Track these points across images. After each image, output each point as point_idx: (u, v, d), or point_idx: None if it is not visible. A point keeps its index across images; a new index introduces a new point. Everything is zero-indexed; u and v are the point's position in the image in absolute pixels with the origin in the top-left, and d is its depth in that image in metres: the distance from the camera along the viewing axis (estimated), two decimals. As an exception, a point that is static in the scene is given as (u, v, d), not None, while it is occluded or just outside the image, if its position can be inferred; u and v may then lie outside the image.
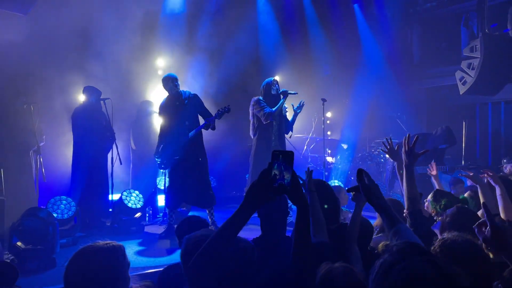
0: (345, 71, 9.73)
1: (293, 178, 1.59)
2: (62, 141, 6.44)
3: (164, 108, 5.70)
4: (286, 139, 6.50)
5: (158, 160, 5.69)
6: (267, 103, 6.10)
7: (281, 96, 6.08)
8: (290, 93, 6.08)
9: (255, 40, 8.90)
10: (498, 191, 3.10)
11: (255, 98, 6.18)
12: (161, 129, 5.75)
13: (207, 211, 5.65)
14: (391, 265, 1.17)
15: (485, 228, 1.75)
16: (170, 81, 5.60)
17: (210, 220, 5.53)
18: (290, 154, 1.55)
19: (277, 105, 6.04)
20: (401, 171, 2.84)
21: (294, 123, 6.37)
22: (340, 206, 2.92)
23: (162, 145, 5.64)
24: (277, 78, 6.56)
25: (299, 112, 6.19)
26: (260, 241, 2.65)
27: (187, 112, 5.58)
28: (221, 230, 1.61)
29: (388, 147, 3.01)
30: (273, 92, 6.12)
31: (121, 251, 1.79)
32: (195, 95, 5.76)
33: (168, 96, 5.72)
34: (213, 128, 5.64)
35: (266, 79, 6.37)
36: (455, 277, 1.15)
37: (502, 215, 3.01)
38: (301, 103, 6.16)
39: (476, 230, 1.64)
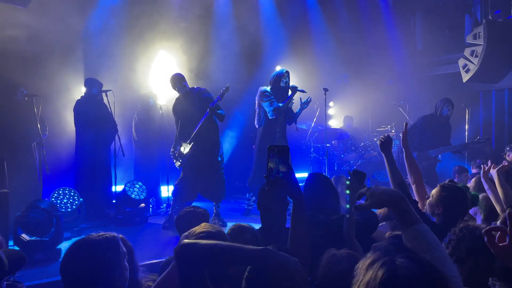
0: (347, 59, 9.67)
1: (288, 171, 1.62)
2: (65, 133, 6.47)
3: (176, 109, 5.71)
4: (296, 127, 6.45)
5: (178, 162, 5.69)
6: (275, 95, 6.01)
7: (290, 91, 6.00)
8: (299, 90, 6.00)
9: (257, 28, 8.84)
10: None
11: (262, 88, 6.09)
12: (177, 130, 5.74)
13: (214, 204, 5.66)
14: (373, 261, 1.16)
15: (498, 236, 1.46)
16: (177, 81, 5.54)
17: (214, 211, 5.55)
18: (286, 148, 1.59)
19: (285, 101, 5.97)
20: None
21: (298, 116, 6.33)
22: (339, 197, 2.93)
23: (179, 147, 5.65)
24: (278, 68, 6.51)
25: (306, 107, 6.14)
26: (260, 232, 2.67)
27: (198, 109, 5.52)
28: (228, 252, 1.53)
29: (385, 139, 3.02)
30: (282, 84, 6.03)
31: (114, 242, 1.81)
32: (203, 90, 5.71)
33: (178, 97, 5.71)
34: (221, 119, 5.57)
35: (278, 70, 6.27)
36: (439, 277, 1.12)
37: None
38: (309, 99, 6.10)
39: (486, 238, 1.43)
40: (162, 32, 7.37)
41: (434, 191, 2.85)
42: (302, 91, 6.07)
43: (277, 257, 1.47)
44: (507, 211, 1.44)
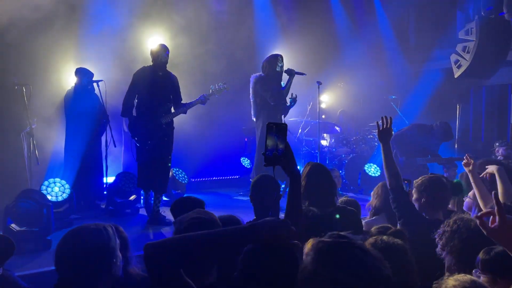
0: (341, 53, 9.67)
1: (286, 149, 1.65)
2: (55, 123, 6.39)
3: (142, 79, 5.20)
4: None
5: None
6: (270, 78, 5.77)
7: (287, 76, 5.80)
8: (298, 73, 5.77)
9: (251, 17, 8.79)
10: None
11: (257, 75, 5.87)
12: (130, 101, 5.32)
13: (154, 196, 5.36)
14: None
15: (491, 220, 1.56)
16: (164, 51, 5.23)
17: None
18: (284, 126, 1.63)
19: (286, 85, 5.72)
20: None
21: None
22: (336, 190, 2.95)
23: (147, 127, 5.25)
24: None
25: (293, 105, 6.01)
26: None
27: (166, 92, 5.27)
28: (205, 239, 1.39)
29: (384, 126, 2.99)
30: (277, 69, 5.81)
31: (107, 231, 1.80)
32: (176, 79, 5.44)
33: (150, 67, 5.29)
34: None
35: (271, 54, 6.05)
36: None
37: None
38: (294, 97, 5.92)
39: (478, 222, 1.52)
40: (154, 22, 7.30)
41: (416, 183, 2.94)
42: (302, 74, 5.88)
43: (265, 230, 1.38)
44: (493, 193, 1.54)
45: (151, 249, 1.36)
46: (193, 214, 1.86)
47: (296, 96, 6.01)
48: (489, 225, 1.50)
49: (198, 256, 1.39)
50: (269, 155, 1.60)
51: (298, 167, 1.91)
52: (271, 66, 5.86)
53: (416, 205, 2.93)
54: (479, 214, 1.55)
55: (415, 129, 6.95)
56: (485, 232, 1.52)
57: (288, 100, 6.11)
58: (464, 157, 3.40)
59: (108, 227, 1.84)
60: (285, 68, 6.01)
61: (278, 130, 1.61)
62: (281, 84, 5.98)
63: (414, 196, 2.95)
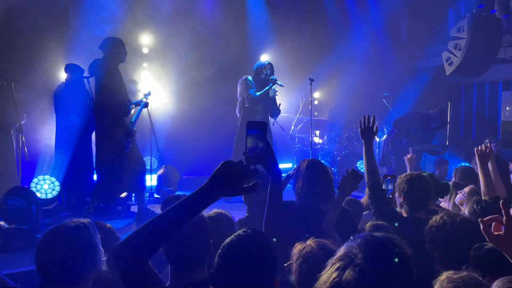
0: (333, 51, 9.67)
1: (266, 147, 1.63)
2: (45, 119, 6.31)
3: (117, 80, 5.02)
4: (273, 121, 6.58)
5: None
6: (256, 84, 6.17)
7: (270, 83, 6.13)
8: (278, 84, 6.15)
9: (243, 18, 8.76)
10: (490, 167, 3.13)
11: (244, 77, 6.24)
12: (108, 104, 4.98)
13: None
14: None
15: (493, 225, 1.54)
16: (123, 45, 5.10)
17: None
18: (264, 124, 1.62)
19: (261, 91, 6.10)
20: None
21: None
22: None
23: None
24: (265, 56, 6.53)
25: (276, 113, 6.35)
26: (246, 220, 2.66)
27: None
28: (166, 214, 1.36)
29: (366, 125, 3.00)
30: (262, 76, 6.20)
31: (87, 228, 1.78)
32: None
33: (116, 64, 5.08)
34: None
35: (260, 61, 6.43)
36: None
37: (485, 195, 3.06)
38: (278, 106, 6.33)
39: (482, 227, 1.50)
40: (145, 21, 7.25)
41: (396, 184, 2.92)
42: (281, 85, 6.20)
43: (222, 173, 1.34)
44: (500, 202, 1.50)
45: (116, 249, 1.34)
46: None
47: (279, 105, 6.38)
48: (492, 231, 1.49)
49: (163, 234, 1.34)
50: (250, 154, 1.57)
51: (291, 165, 1.91)
52: (257, 72, 6.25)
53: (397, 203, 2.93)
54: (485, 219, 1.52)
55: (414, 114, 7.13)
56: (487, 239, 1.50)
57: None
58: (483, 145, 3.24)
59: (89, 223, 1.82)
60: (274, 75, 6.31)
61: (257, 128, 1.60)
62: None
63: (396, 197, 2.94)
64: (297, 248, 1.96)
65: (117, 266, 1.34)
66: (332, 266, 1.13)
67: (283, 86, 6.25)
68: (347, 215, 2.86)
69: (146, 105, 5.60)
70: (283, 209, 1.93)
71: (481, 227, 1.49)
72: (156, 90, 7.31)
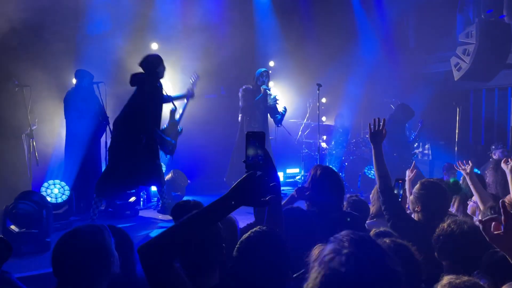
0: (341, 56, 9.68)
1: (265, 155, 1.69)
2: (55, 125, 6.39)
3: (156, 94, 5.27)
4: (281, 126, 6.70)
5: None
6: (255, 92, 6.59)
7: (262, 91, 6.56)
8: (268, 94, 6.55)
9: (251, 23, 8.80)
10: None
11: (244, 86, 6.69)
12: (149, 117, 5.29)
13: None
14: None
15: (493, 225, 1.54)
16: (162, 63, 5.26)
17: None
18: (262, 134, 1.70)
19: (255, 99, 6.53)
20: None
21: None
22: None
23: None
24: (272, 63, 6.64)
25: (280, 118, 6.78)
26: (254, 226, 2.66)
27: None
28: (191, 220, 1.43)
29: (376, 128, 2.96)
30: (258, 83, 6.61)
31: (102, 231, 1.81)
32: None
33: (156, 79, 5.28)
34: None
35: (259, 69, 6.74)
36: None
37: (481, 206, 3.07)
38: (282, 111, 6.79)
39: (481, 227, 1.53)
40: (156, 26, 7.33)
41: (414, 189, 2.89)
42: (273, 99, 6.59)
43: (244, 187, 1.42)
44: (500, 202, 1.51)
45: (142, 250, 1.40)
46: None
47: (285, 109, 6.82)
48: (492, 230, 1.50)
49: (187, 237, 1.42)
50: (250, 162, 1.64)
51: (298, 170, 1.98)
52: (256, 80, 6.67)
53: (410, 207, 2.91)
54: (483, 219, 1.55)
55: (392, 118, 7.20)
56: (487, 238, 1.52)
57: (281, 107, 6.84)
58: (458, 164, 3.41)
59: (102, 227, 1.85)
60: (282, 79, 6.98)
61: (257, 138, 1.67)
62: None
63: (411, 200, 2.92)
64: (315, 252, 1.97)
65: (143, 265, 1.40)
66: (320, 261, 1.16)
67: (271, 95, 6.59)
68: (355, 220, 2.85)
69: (191, 95, 5.79)
70: (282, 217, 2.00)
71: (481, 227, 1.53)
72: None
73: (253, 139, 1.66)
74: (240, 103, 6.75)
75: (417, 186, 2.88)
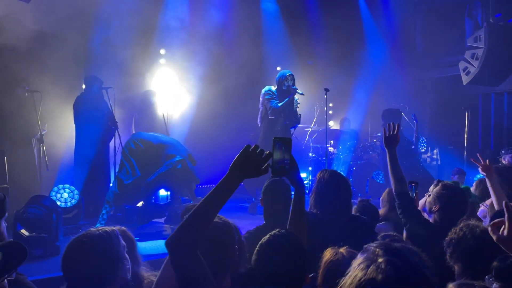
0: (349, 61, 9.68)
1: (291, 161, 1.79)
2: (65, 130, 6.45)
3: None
4: (292, 131, 6.62)
5: None
6: (279, 95, 6.19)
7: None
8: (298, 93, 6.15)
9: (258, 27, 8.84)
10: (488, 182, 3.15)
11: (267, 87, 6.28)
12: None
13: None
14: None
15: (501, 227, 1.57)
16: None
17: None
18: (289, 140, 1.76)
19: (283, 102, 6.13)
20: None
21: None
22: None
23: None
24: (279, 68, 6.55)
25: (296, 123, 6.45)
26: (263, 229, 2.66)
27: None
28: (205, 201, 1.55)
29: (391, 133, 2.95)
30: (284, 87, 6.22)
31: (112, 235, 1.83)
32: None
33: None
34: None
35: (282, 72, 6.42)
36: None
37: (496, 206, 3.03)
38: (298, 116, 6.47)
39: (490, 229, 1.55)
40: (164, 33, 7.39)
41: (435, 189, 2.86)
42: (301, 93, 6.19)
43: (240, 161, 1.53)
44: (504, 202, 1.55)
45: (170, 241, 1.50)
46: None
47: (299, 116, 6.47)
48: (499, 232, 1.51)
49: (206, 220, 1.53)
50: (277, 168, 1.71)
51: (305, 175, 2.00)
52: (279, 83, 6.26)
53: (427, 206, 2.87)
54: (491, 222, 1.57)
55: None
56: (495, 239, 1.54)
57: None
58: (478, 156, 3.33)
59: (113, 231, 1.86)
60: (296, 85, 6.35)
61: (284, 144, 1.74)
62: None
63: (428, 200, 2.88)
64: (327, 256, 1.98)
65: (172, 257, 1.51)
66: (355, 268, 1.19)
67: (303, 95, 6.26)
68: (364, 224, 2.84)
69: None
70: (305, 220, 2.05)
71: (489, 229, 1.56)
72: (173, 100, 7.44)
73: (280, 143, 1.72)
74: (262, 105, 6.30)
75: (439, 186, 2.84)
